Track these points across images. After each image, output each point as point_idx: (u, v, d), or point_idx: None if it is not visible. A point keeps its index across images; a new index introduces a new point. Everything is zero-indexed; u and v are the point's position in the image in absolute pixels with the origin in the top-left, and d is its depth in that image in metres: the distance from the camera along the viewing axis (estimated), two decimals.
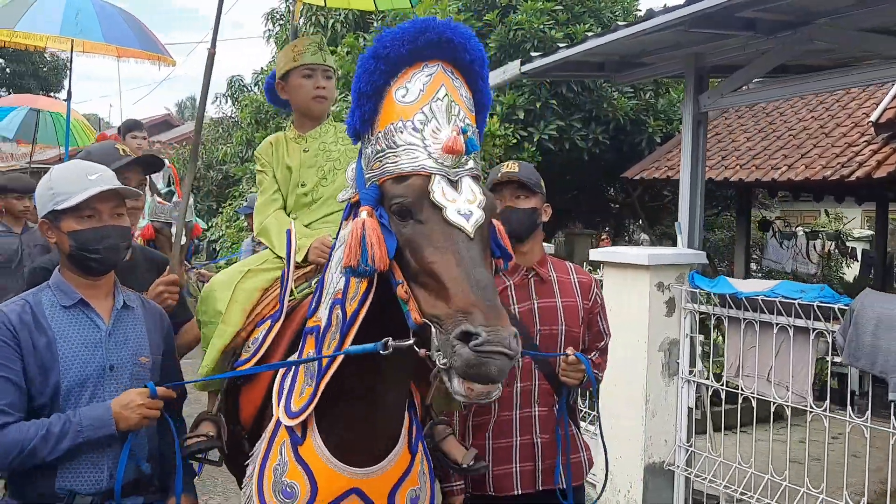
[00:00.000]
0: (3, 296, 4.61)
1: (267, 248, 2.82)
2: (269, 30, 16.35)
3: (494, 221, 1.86)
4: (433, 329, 1.63)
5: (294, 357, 2.19)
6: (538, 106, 9.16)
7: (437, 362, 1.62)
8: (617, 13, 10.41)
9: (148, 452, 2.20)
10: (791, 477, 3.91)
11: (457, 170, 1.74)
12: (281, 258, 2.62)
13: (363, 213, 1.76)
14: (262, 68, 15.76)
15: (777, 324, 3.87)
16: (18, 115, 9.42)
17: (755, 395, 4.09)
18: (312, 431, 2.05)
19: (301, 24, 15.05)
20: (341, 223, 2.02)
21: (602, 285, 4.31)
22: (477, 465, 2.43)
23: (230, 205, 13.94)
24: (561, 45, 5.72)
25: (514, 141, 8.95)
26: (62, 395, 2.04)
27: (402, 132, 1.75)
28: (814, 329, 3.73)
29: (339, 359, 1.90)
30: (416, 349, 1.71)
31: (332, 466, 2.02)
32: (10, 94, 25.74)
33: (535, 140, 9.04)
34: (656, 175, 9.76)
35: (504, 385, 2.48)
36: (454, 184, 1.73)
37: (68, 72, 7.11)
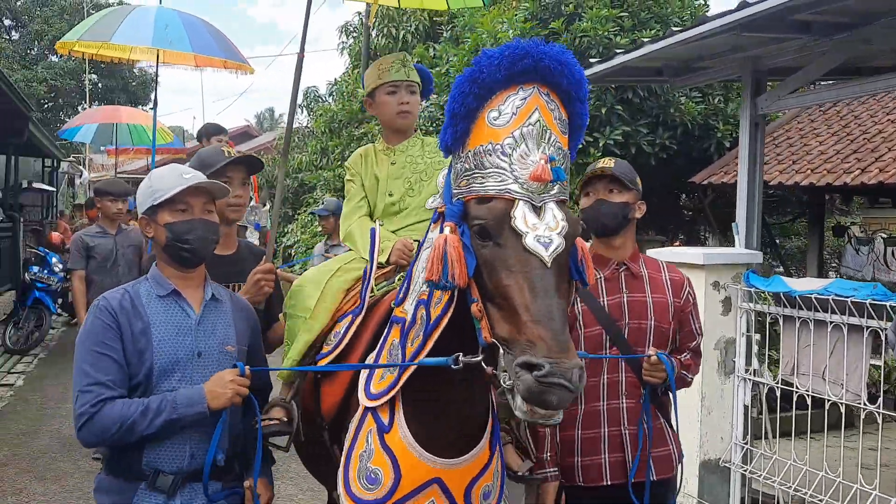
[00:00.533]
0: (100, 291, 4.99)
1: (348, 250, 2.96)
2: (342, 42, 16.96)
3: (578, 242, 1.87)
4: (501, 349, 1.68)
5: (377, 348, 2.26)
6: (604, 111, 9.23)
7: (503, 382, 1.67)
8: (685, 19, 10.39)
9: (229, 441, 2.28)
10: (847, 476, 3.93)
11: (542, 196, 1.75)
12: (365, 259, 2.72)
13: (446, 230, 1.81)
14: (335, 80, 16.30)
15: (831, 322, 3.90)
16: (92, 127, 10.10)
17: (810, 393, 4.12)
18: (399, 420, 2.10)
19: (374, 35, 15.54)
20: (429, 226, 2.08)
21: None
22: (531, 476, 2.50)
23: (305, 211, 14.45)
24: (618, 50, 5.79)
25: (580, 147, 9.05)
26: (155, 376, 2.17)
27: (490, 155, 1.77)
28: (867, 327, 3.75)
29: (420, 358, 1.98)
30: (484, 366, 1.76)
31: (417, 455, 2.06)
32: (101, 105, 27.13)
33: (600, 145, 9.09)
34: (725, 180, 9.66)
35: (590, 377, 2.56)
36: (538, 209, 1.75)
37: (155, 84, 7.59)
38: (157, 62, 6.34)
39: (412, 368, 2.01)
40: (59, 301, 10.37)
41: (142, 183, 2.35)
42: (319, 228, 12.47)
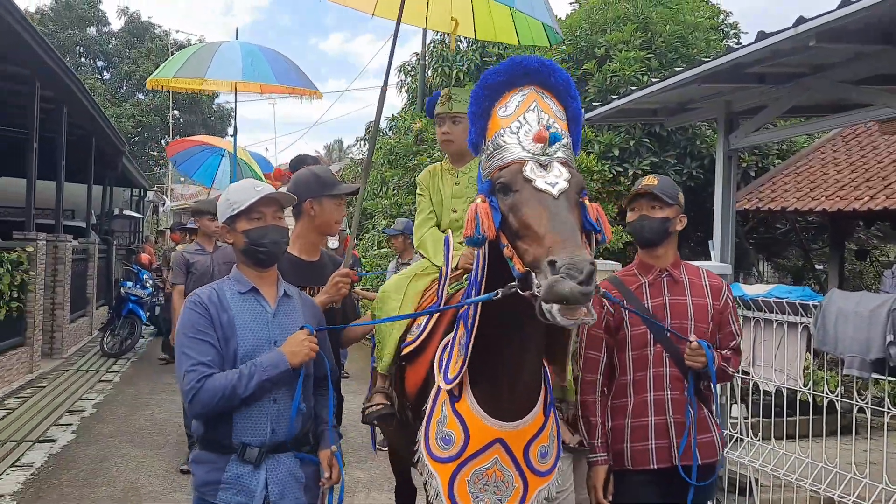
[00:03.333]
0: None
1: (418, 260, 3.38)
2: (401, 80, 18.31)
3: (591, 205, 2.21)
4: (533, 275, 1.97)
5: (449, 341, 2.60)
6: (632, 143, 10.04)
7: (537, 297, 1.93)
8: (711, 57, 11.17)
9: (302, 420, 2.53)
10: (815, 457, 4.52)
11: (546, 157, 2.12)
12: (436, 266, 3.10)
13: (478, 200, 2.20)
14: (393, 115, 17.51)
15: (776, 320, 4.74)
16: (226, 171, 10.33)
17: (762, 380, 4.93)
18: (467, 391, 2.44)
19: (429, 74, 16.75)
20: None
21: None
22: (580, 448, 2.86)
23: (366, 236, 15.59)
24: (614, 97, 6.68)
25: (610, 176, 9.86)
26: (239, 361, 2.43)
27: (503, 136, 2.18)
28: (801, 323, 4.58)
29: (475, 330, 2.32)
30: (521, 292, 2.03)
31: (482, 419, 2.40)
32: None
33: (630, 174, 9.89)
34: (747, 206, 10.38)
35: (638, 371, 2.89)
36: (544, 166, 2.10)
37: (232, 119, 8.62)
38: (235, 92, 6.98)
39: (473, 338, 2.34)
40: (148, 314, 11.68)
41: (221, 197, 2.68)
42: (379, 250, 13.61)
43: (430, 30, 4.03)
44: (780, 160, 11.55)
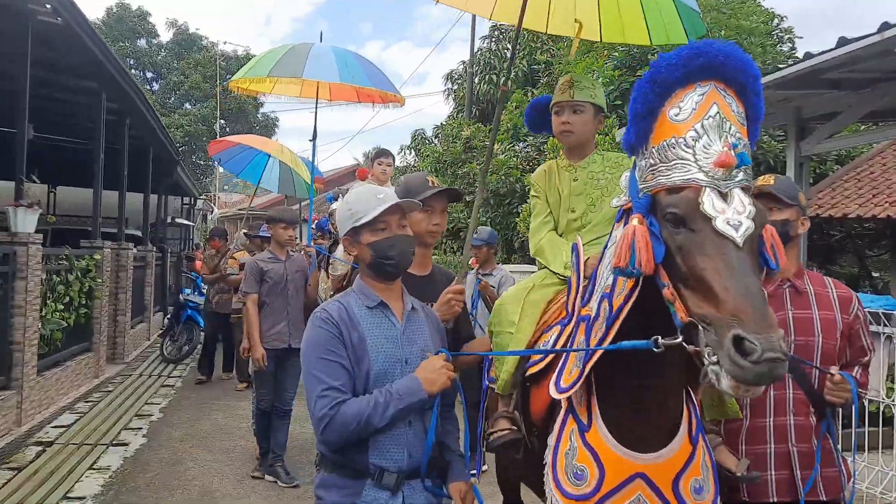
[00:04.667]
0: (271, 314, 5.62)
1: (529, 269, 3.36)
2: (448, 88, 18.47)
3: (767, 232, 1.88)
4: (700, 328, 1.71)
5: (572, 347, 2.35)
6: None
7: (707, 358, 1.70)
8: (768, 62, 11.06)
9: (431, 443, 2.36)
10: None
11: (727, 182, 1.77)
12: (554, 273, 2.84)
13: (634, 221, 1.89)
14: (441, 123, 17.65)
15: None
16: (274, 170, 10.24)
17: None
18: (596, 419, 2.19)
19: (476, 81, 16.87)
20: (614, 225, 2.16)
21: None
22: (750, 474, 2.49)
23: None
24: None
25: None
26: (371, 382, 2.26)
27: (674, 148, 1.83)
28: (883, 333, 4.51)
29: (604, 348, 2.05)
30: (685, 346, 1.79)
31: (618, 451, 2.14)
32: None
33: None
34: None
35: None
36: (724, 196, 1.77)
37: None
38: (317, 98, 6.88)
39: (596, 358, 2.10)
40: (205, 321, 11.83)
41: (339, 206, 2.54)
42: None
43: (552, 33, 3.64)
44: (838, 166, 11.36)
